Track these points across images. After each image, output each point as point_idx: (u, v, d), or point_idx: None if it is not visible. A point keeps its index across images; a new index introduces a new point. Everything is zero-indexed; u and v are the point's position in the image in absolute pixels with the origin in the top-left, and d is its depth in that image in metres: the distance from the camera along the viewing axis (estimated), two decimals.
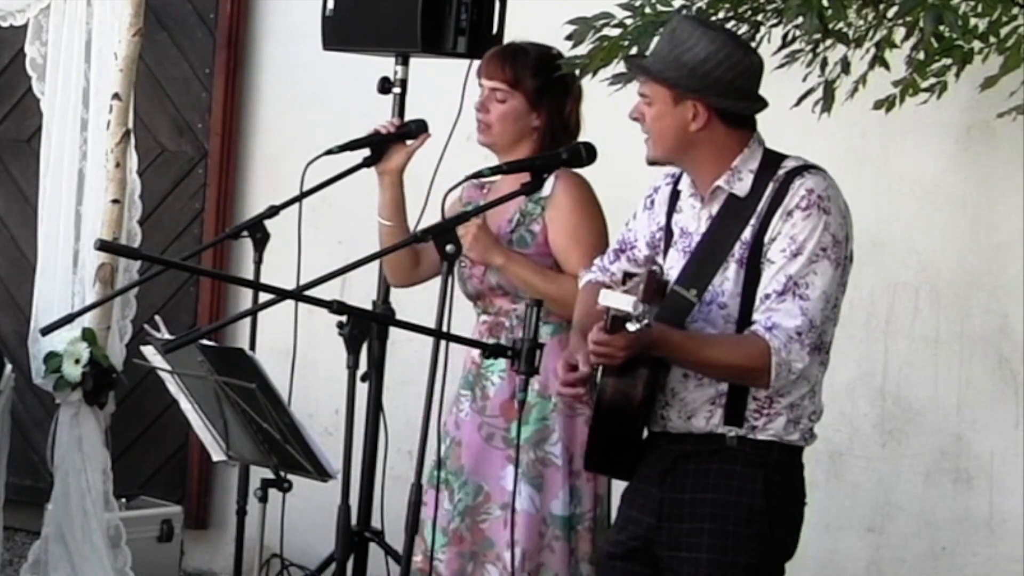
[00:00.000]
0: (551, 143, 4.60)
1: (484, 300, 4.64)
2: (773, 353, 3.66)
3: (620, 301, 3.46)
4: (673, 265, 3.86)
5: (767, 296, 3.71)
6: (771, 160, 3.81)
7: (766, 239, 3.74)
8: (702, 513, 3.77)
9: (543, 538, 4.52)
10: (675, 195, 3.93)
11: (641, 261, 3.97)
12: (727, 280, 3.76)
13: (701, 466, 3.79)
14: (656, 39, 4.04)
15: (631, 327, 3.49)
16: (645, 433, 3.88)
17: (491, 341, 4.52)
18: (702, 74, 3.74)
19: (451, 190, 4.62)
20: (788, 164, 3.80)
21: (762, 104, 3.84)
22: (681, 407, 3.80)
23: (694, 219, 3.86)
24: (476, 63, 4.82)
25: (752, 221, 3.76)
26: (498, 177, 4.51)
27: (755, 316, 3.72)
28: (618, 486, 4.04)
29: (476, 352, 4.53)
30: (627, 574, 3.90)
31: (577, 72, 4.56)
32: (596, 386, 3.82)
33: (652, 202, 3.99)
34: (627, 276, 3.75)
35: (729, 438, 3.77)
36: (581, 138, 4.44)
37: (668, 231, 3.91)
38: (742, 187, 3.79)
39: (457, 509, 4.57)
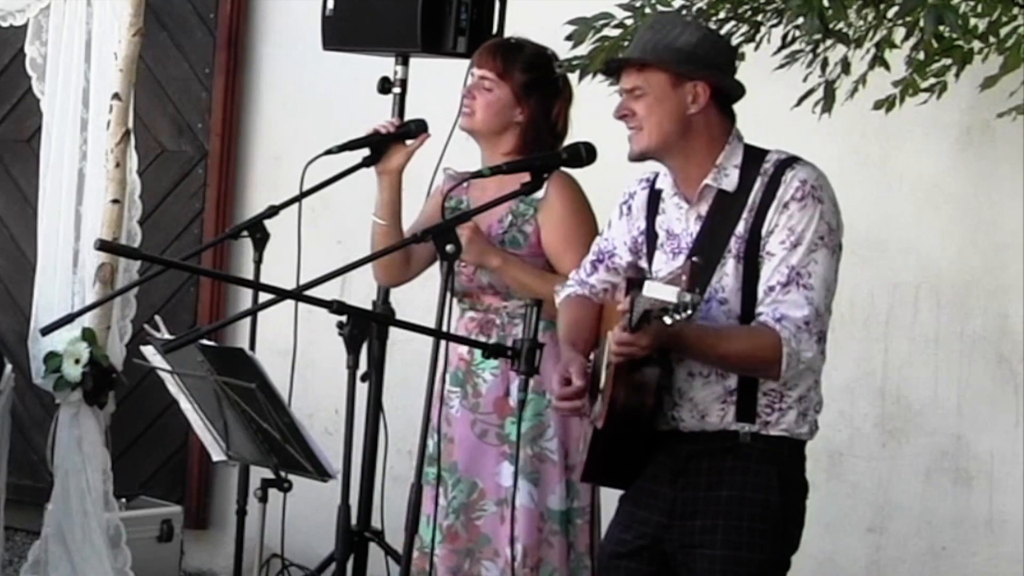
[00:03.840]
0: (533, 140, 4.62)
1: (471, 297, 4.65)
2: (784, 344, 3.67)
3: (663, 292, 3.45)
4: (660, 268, 3.86)
5: (771, 288, 3.72)
6: (753, 155, 3.83)
7: (763, 232, 3.75)
8: (716, 510, 3.78)
9: (542, 533, 4.54)
10: (653, 197, 3.93)
11: (624, 268, 3.97)
12: (726, 276, 3.77)
13: (715, 463, 3.79)
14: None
15: (668, 320, 3.47)
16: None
17: (482, 339, 4.54)
18: (701, 55, 3.78)
19: (449, 190, 4.65)
20: (772, 157, 3.82)
21: (743, 91, 3.88)
22: (692, 407, 3.80)
23: (681, 220, 3.86)
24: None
25: (744, 215, 3.77)
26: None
27: (760, 308, 3.73)
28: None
29: (464, 348, 4.54)
30: (632, 572, 3.90)
31: (577, 73, 4.56)
32: (598, 396, 3.81)
33: (629, 208, 3.99)
34: (630, 282, 3.75)
35: (742, 435, 3.78)
36: (578, 139, 4.44)
37: (651, 234, 3.92)
38: (730, 182, 3.80)
39: (452, 506, 4.57)
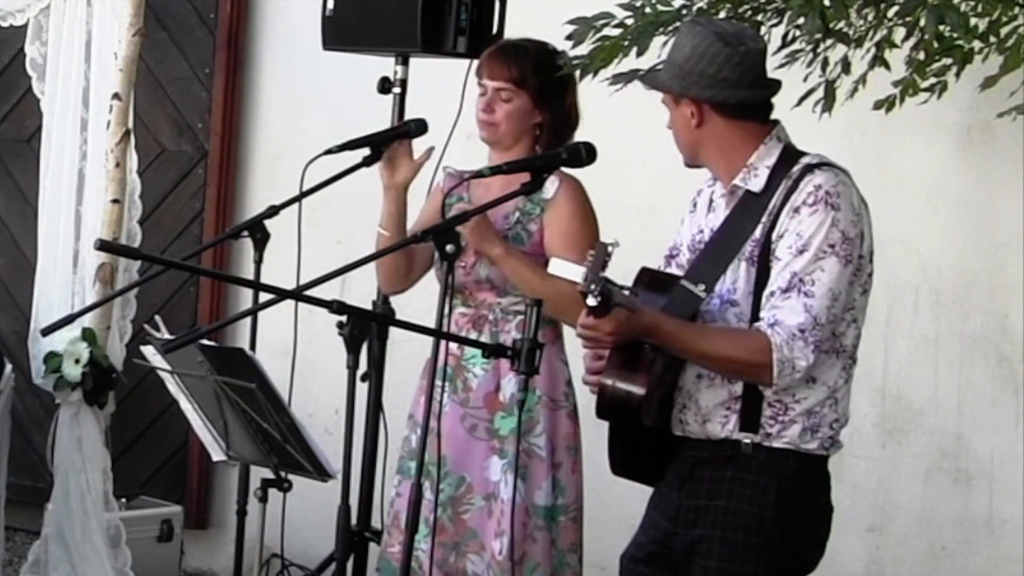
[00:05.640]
0: (553, 138, 4.63)
1: (465, 293, 4.64)
2: (775, 349, 3.62)
3: (569, 271, 3.46)
4: None
5: (772, 293, 3.68)
6: (790, 157, 3.78)
7: (774, 236, 3.70)
8: (713, 520, 3.75)
9: (527, 528, 4.55)
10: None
11: (684, 266, 3.93)
12: (739, 278, 3.74)
13: (716, 473, 3.76)
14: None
15: (591, 301, 3.47)
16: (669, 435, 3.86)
17: (473, 335, 4.54)
18: (686, 71, 3.74)
19: (451, 189, 4.66)
20: (804, 160, 3.77)
21: (762, 92, 3.80)
22: (696, 410, 3.78)
23: (721, 218, 3.84)
24: (476, 63, 4.82)
25: (763, 218, 3.73)
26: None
27: (761, 313, 3.69)
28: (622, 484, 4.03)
29: (453, 344, 4.53)
30: None
31: (578, 72, 4.56)
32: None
33: (695, 205, 3.96)
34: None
35: (744, 445, 3.73)
36: (579, 139, 4.44)
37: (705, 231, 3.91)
38: (757, 183, 3.76)
39: (439, 500, 4.57)
